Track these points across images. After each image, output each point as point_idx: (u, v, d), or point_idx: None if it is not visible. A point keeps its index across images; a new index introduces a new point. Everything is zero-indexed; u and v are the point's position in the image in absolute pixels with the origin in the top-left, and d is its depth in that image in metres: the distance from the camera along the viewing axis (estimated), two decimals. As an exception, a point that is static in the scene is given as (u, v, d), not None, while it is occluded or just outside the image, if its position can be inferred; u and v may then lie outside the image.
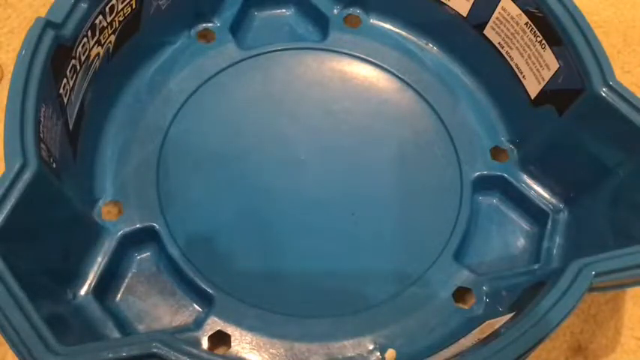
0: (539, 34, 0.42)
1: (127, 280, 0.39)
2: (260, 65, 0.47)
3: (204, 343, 0.37)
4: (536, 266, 0.42)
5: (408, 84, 0.48)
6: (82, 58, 0.38)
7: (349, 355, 0.37)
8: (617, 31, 0.56)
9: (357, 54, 0.49)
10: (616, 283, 0.33)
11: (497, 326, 0.35)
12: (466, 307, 0.40)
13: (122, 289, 0.38)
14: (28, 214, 0.30)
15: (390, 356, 0.37)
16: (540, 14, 0.42)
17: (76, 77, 0.38)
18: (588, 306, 0.43)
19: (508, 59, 0.46)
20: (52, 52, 0.35)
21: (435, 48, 0.50)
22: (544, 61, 0.42)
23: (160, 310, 0.38)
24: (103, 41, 0.40)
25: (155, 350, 0.27)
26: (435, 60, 0.50)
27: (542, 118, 0.43)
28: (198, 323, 0.37)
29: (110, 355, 0.27)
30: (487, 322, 0.37)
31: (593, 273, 0.32)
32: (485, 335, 0.35)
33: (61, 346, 0.27)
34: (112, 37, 0.41)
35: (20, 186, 0.30)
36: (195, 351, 0.28)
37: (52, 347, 0.27)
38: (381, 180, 0.44)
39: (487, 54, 0.47)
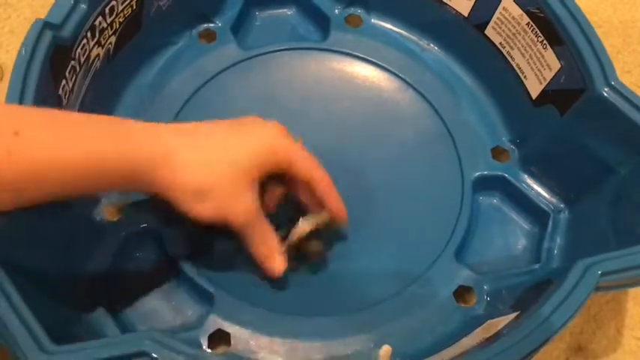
0: (540, 34, 0.42)
1: (127, 280, 0.39)
2: (261, 65, 0.47)
3: (204, 342, 0.37)
4: (536, 266, 0.42)
5: (409, 84, 0.48)
6: (82, 59, 0.38)
7: (350, 353, 0.37)
8: (617, 31, 0.56)
9: (358, 54, 0.49)
10: (621, 282, 0.33)
11: (501, 326, 0.35)
12: (467, 305, 0.40)
13: (122, 289, 0.38)
14: (30, 214, 0.30)
15: (384, 352, 0.37)
16: (542, 14, 0.42)
17: (76, 78, 0.38)
18: (589, 306, 0.43)
19: (509, 59, 0.46)
20: (51, 53, 0.35)
21: (436, 48, 0.50)
22: (545, 61, 0.42)
23: (160, 310, 0.38)
24: (103, 42, 0.40)
25: (145, 349, 0.27)
26: (436, 60, 0.50)
27: (543, 118, 0.43)
28: (199, 322, 0.37)
29: (102, 355, 0.27)
30: (491, 321, 0.36)
31: (600, 272, 0.32)
32: (490, 334, 0.35)
33: (53, 344, 0.27)
34: (113, 38, 0.41)
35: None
36: (185, 348, 0.28)
37: (44, 346, 0.27)
38: (381, 180, 0.44)
39: (488, 54, 0.47)
